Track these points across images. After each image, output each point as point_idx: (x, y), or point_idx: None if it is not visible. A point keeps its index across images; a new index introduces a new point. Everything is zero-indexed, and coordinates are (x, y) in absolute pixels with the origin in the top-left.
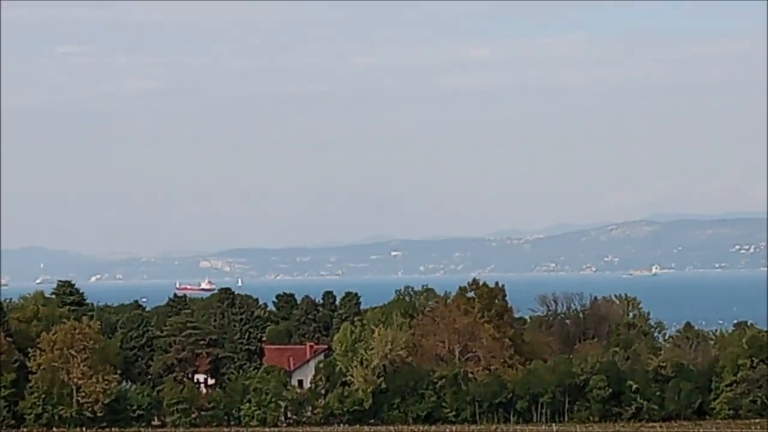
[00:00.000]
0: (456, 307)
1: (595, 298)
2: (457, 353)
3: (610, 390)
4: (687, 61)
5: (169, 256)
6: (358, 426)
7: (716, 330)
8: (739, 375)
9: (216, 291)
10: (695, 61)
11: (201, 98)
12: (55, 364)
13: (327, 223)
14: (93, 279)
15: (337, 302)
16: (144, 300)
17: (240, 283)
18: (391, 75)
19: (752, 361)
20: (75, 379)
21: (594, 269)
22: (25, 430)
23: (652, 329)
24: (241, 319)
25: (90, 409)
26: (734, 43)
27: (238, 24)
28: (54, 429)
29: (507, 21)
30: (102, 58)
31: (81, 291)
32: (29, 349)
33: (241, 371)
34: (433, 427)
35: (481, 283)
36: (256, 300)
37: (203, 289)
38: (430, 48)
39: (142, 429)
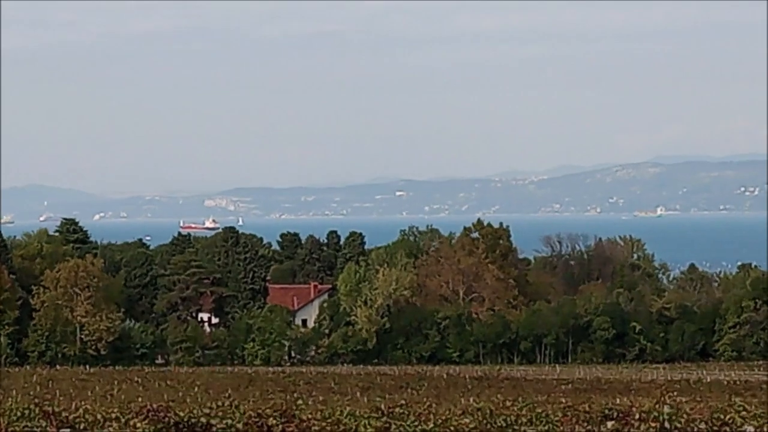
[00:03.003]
0: (460, 247)
1: (600, 239)
2: (461, 294)
3: (614, 331)
4: (694, 4)
5: (174, 195)
6: (361, 366)
7: (720, 272)
8: (742, 317)
9: (220, 230)
10: (702, 3)
11: (208, 40)
12: (59, 302)
13: (332, 163)
14: (97, 217)
15: (342, 242)
16: (148, 238)
17: (241, 222)
18: (400, 16)
19: (756, 303)
20: (78, 317)
21: (599, 210)
22: (28, 367)
23: (657, 271)
24: (245, 258)
25: (93, 348)
26: None
27: None
28: (57, 367)
29: None
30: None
31: (85, 229)
32: (33, 287)
33: (245, 310)
34: (437, 368)
35: (485, 224)
36: (261, 239)
37: (207, 228)
38: None
39: (145, 367)
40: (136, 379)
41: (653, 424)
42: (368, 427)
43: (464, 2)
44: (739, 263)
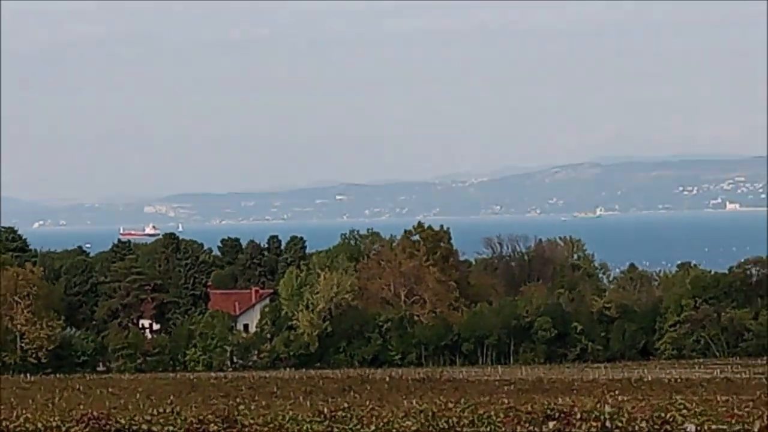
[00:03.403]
0: (401, 250)
1: (540, 240)
2: (402, 296)
3: (555, 331)
4: (629, 3)
5: (113, 202)
6: (304, 370)
7: (660, 271)
8: (682, 315)
9: (160, 236)
10: (639, 3)
11: (145, 44)
12: None
13: (272, 167)
14: (36, 225)
15: (283, 247)
16: (88, 246)
17: (181, 229)
18: (336, 17)
19: (696, 302)
20: (18, 326)
21: (539, 212)
22: None
23: (597, 271)
24: (186, 264)
25: (34, 356)
26: None
27: None
28: None
29: None
30: (47, 4)
31: (24, 237)
32: None
33: (186, 316)
34: (379, 370)
35: (426, 227)
36: (201, 245)
37: (147, 235)
38: None
39: (87, 374)
40: (77, 386)
41: (595, 424)
42: (311, 431)
43: (394, 4)
44: (679, 262)
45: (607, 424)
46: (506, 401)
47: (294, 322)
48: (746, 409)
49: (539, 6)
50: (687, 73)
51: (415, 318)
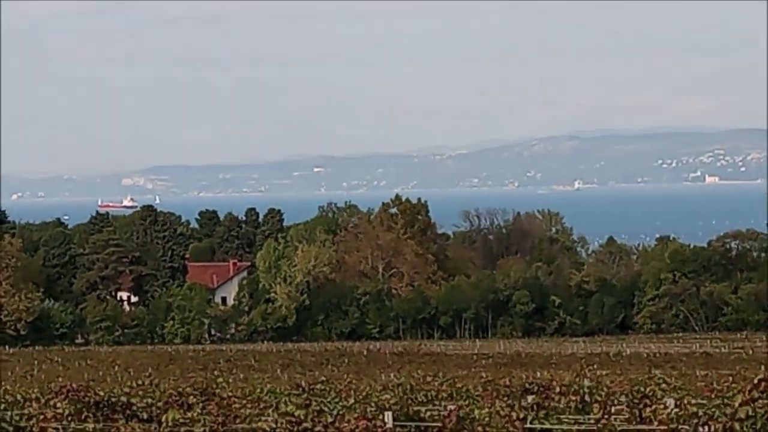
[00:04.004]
0: (379, 223)
1: (518, 213)
2: (380, 269)
3: (533, 305)
4: None
5: (91, 174)
6: (282, 343)
7: (639, 245)
8: (661, 289)
9: (138, 208)
10: None
11: (122, 15)
12: None
13: (249, 140)
14: (14, 197)
15: (260, 219)
16: (66, 218)
17: (158, 201)
18: None
19: (674, 276)
20: None
21: (517, 185)
22: None
23: (575, 244)
24: (164, 237)
25: (13, 328)
26: None
27: None
28: None
29: None
30: None
31: (2, 209)
32: None
33: (164, 289)
34: (357, 344)
35: (403, 199)
36: (179, 217)
37: (125, 207)
38: None
39: (65, 347)
40: (56, 358)
41: (573, 398)
42: (289, 404)
43: None
44: (658, 236)
45: (586, 398)
46: (484, 375)
47: (272, 295)
48: (725, 384)
49: None
50: (665, 46)
51: (393, 291)
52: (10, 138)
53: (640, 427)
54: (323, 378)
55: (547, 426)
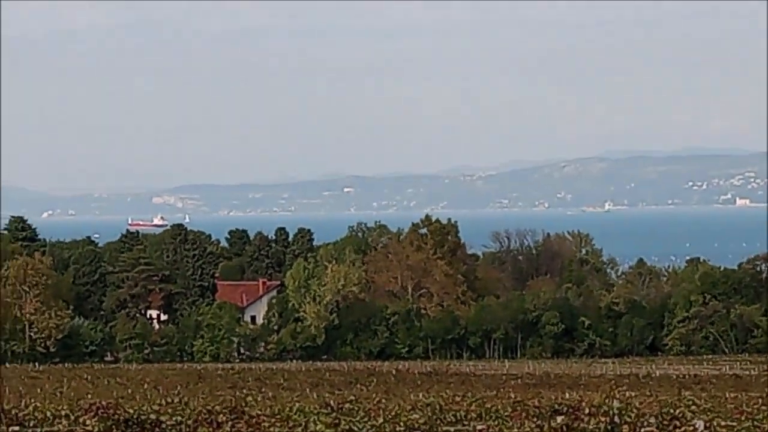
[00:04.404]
0: (409, 243)
1: (548, 234)
2: (409, 289)
3: (563, 326)
4: None
5: (122, 193)
6: (310, 362)
7: (669, 266)
8: (691, 311)
9: (168, 227)
10: None
11: (153, 33)
12: (8, 299)
13: (279, 159)
14: (45, 215)
15: (290, 238)
16: (96, 236)
17: (188, 220)
18: (344, 8)
19: (704, 298)
20: (28, 315)
21: (547, 206)
22: None
23: (605, 265)
24: (194, 255)
25: (43, 345)
26: None
27: None
28: (6, 364)
29: None
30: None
31: (33, 227)
32: None
33: (193, 307)
34: (386, 363)
35: (433, 220)
36: (209, 236)
37: (156, 225)
38: None
39: (95, 364)
40: (85, 376)
41: (603, 419)
42: (318, 423)
43: None
44: (688, 257)
45: (616, 419)
46: (513, 395)
47: (301, 314)
48: (755, 406)
49: (546, 1)
50: (697, 66)
51: (422, 311)
52: (41, 155)
53: None
54: (352, 397)
55: None
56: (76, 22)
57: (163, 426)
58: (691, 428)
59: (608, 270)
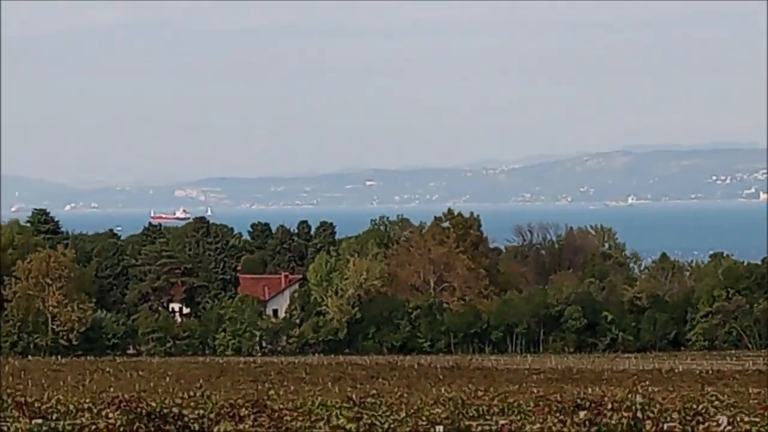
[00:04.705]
0: (431, 237)
1: (571, 228)
2: (432, 283)
3: (585, 321)
4: None
5: (144, 185)
6: (332, 356)
7: (692, 261)
8: (714, 306)
9: (191, 220)
10: None
11: (179, 29)
12: (31, 292)
13: (302, 152)
14: (68, 207)
15: (312, 232)
16: (119, 229)
17: (210, 213)
18: (366, 4)
19: (728, 292)
20: (50, 308)
21: (569, 200)
22: (0, 357)
23: (628, 260)
24: (216, 249)
25: (65, 338)
26: None
27: None
28: (29, 357)
29: None
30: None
31: (56, 219)
32: (4, 278)
33: (216, 300)
34: (408, 357)
35: (456, 213)
36: (231, 229)
37: (178, 218)
38: None
39: (117, 357)
40: (107, 369)
41: (626, 414)
42: (340, 417)
43: None
44: (711, 252)
45: (639, 414)
46: (536, 390)
47: (323, 307)
48: None
49: None
50: (721, 60)
51: (445, 305)
52: (64, 148)
53: None
54: (374, 391)
55: None
56: (99, 17)
57: (185, 419)
58: (714, 424)
59: (631, 264)
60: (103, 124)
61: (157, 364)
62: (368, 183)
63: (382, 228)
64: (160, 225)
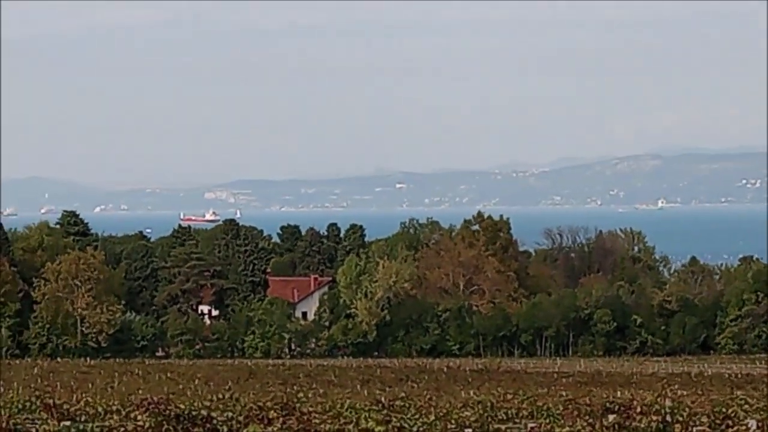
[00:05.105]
0: (461, 239)
1: (600, 231)
2: (461, 286)
3: (615, 324)
4: None
5: (174, 187)
6: (362, 358)
7: (721, 264)
8: (744, 310)
9: (220, 222)
10: None
11: (204, 32)
12: (60, 294)
13: (332, 155)
14: (97, 209)
15: (342, 234)
16: (148, 231)
17: (239, 215)
18: (394, 5)
19: (757, 296)
20: (79, 310)
21: (599, 203)
22: (29, 359)
23: (657, 263)
24: (246, 251)
25: (94, 340)
26: None
27: None
28: (58, 359)
29: None
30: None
31: (85, 221)
32: (34, 279)
33: (245, 303)
34: (437, 360)
35: (485, 216)
36: (261, 231)
37: (207, 221)
38: None
39: (146, 359)
40: (136, 371)
41: (655, 418)
42: (369, 420)
43: None
44: (741, 256)
45: (668, 418)
46: (565, 394)
47: (352, 310)
48: None
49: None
50: (751, 62)
51: (474, 308)
52: (94, 150)
53: None
54: (403, 394)
55: None
56: (126, 18)
57: (214, 421)
58: (744, 428)
59: (661, 268)
60: (133, 126)
61: (185, 366)
62: (398, 186)
63: (411, 231)
64: (189, 227)
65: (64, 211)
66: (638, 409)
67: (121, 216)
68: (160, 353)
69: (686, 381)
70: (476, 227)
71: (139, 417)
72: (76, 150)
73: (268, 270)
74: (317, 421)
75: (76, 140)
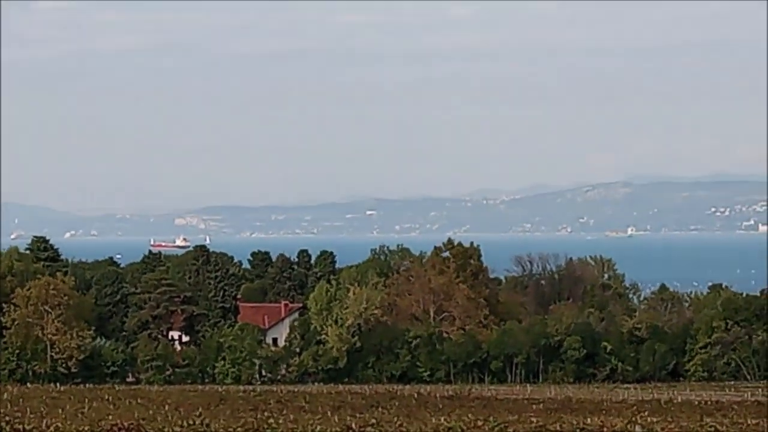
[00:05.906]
0: (431, 266)
1: (570, 259)
2: (432, 313)
3: (585, 351)
4: (664, 23)
5: (144, 213)
6: (332, 384)
7: (691, 292)
8: (713, 337)
9: (191, 248)
10: (672, 22)
11: (177, 57)
12: (30, 319)
13: (302, 181)
14: (68, 235)
15: (312, 261)
16: (119, 257)
17: (209, 241)
18: (368, 32)
19: (727, 324)
20: (49, 335)
21: (569, 230)
22: None
23: (627, 291)
24: (216, 277)
25: (64, 365)
26: (714, 5)
27: None
28: (28, 384)
29: None
30: (82, 14)
31: (56, 247)
32: (3, 305)
33: (215, 329)
34: (408, 387)
35: (456, 243)
36: (231, 257)
37: (178, 246)
38: (412, 5)
39: (116, 385)
40: (106, 397)
41: None
42: None
43: (431, 20)
44: (710, 283)
45: None
46: (535, 420)
47: (323, 336)
48: None
49: (571, 26)
50: (720, 93)
51: (444, 335)
52: (64, 175)
53: None
54: (373, 420)
55: None
56: (98, 44)
57: None
58: None
59: (630, 295)
60: (102, 152)
61: (156, 392)
62: (369, 212)
63: (382, 257)
64: (160, 253)
65: (34, 236)
66: None
67: (91, 241)
68: (130, 379)
69: (656, 408)
70: (447, 254)
71: None
72: (46, 175)
73: (239, 296)
74: None
75: (46, 166)
